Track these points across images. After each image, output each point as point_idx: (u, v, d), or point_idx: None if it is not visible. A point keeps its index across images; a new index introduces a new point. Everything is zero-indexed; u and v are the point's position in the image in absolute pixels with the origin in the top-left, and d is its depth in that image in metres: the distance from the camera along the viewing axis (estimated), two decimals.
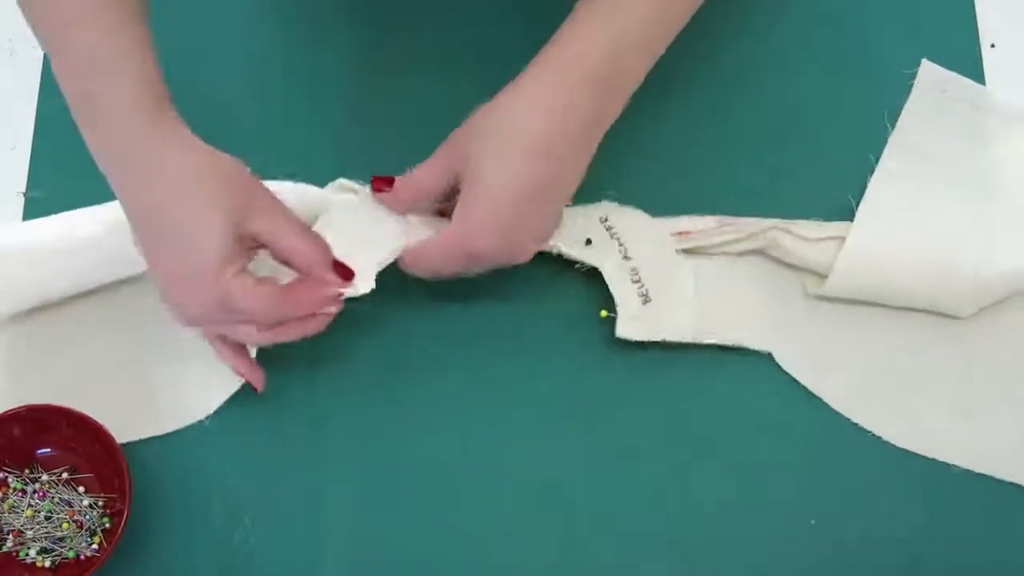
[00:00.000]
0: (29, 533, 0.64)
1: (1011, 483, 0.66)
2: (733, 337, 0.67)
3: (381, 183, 0.62)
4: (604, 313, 0.68)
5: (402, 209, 0.63)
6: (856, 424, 0.67)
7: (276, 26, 0.76)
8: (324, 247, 0.59)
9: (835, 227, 0.67)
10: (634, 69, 0.59)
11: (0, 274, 0.66)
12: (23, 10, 0.56)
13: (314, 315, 0.60)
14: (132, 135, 0.55)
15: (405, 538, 0.65)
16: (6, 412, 0.64)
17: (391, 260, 0.62)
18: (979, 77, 0.74)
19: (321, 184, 0.66)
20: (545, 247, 0.65)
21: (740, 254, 0.69)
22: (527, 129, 0.57)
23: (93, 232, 0.66)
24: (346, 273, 0.60)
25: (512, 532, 0.65)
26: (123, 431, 0.65)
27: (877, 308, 0.68)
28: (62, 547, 0.64)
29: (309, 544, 0.65)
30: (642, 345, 0.67)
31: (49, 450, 0.66)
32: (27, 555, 0.64)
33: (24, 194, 0.72)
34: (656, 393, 0.68)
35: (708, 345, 0.67)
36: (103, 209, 0.66)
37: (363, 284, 0.61)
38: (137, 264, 0.61)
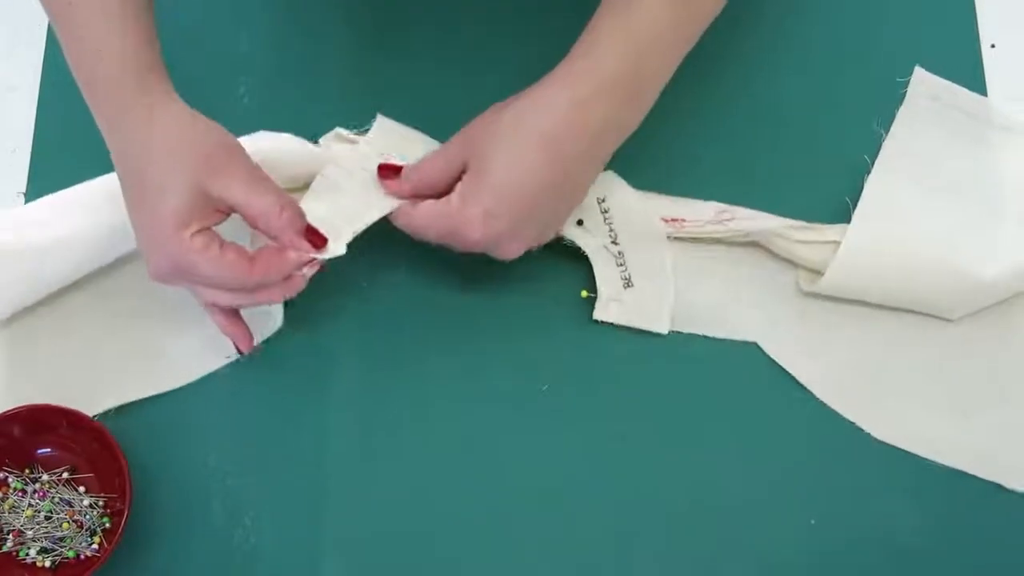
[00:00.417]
0: (29, 533, 0.64)
1: (1003, 485, 0.66)
2: (717, 329, 0.68)
3: (387, 171, 0.62)
4: (584, 293, 0.68)
5: (407, 197, 0.63)
6: (854, 424, 0.67)
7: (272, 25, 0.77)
8: (295, 212, 0.60)
9: (831, 231, 0.67)
10: (653, 80, 0.59)
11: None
12: None
13: (290, 277, 0.60)
14: (117, 100, 0.58)
15: (405, 538, 0.65)
16: (6, 412, 0.64)
17: (368, 225, 0.62)
18: (979, 77, 0.74)
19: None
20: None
21: (732, 245, 0.69)
22: (542, 129, 0.57)
23: (76, 220, 0.66)
24: (318, 240, 0.60)
25: (512, 533, 0.65)
26: (127, 392, 0.67)
27: (870, 306, 0.69)
28: (62, 547, 0.64)
29: (309, 544, 0.65)
30: (640, 332, 0.68)
31: (49, 450, 0.66)
32: (27, 555, 0.64)
33: (24, 194, 0.72)
34: (653, 386, 0.68)
35: (704, 337, 0.68)
36: (72, 194, 0.67)
37: (335, 247, 0.61)
38: (123, 243, 0.64)
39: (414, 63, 0.74)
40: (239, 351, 0.66)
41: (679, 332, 0.68)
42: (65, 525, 0.64)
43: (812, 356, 0.68)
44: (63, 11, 0.57)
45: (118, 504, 0.64)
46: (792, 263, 0.69)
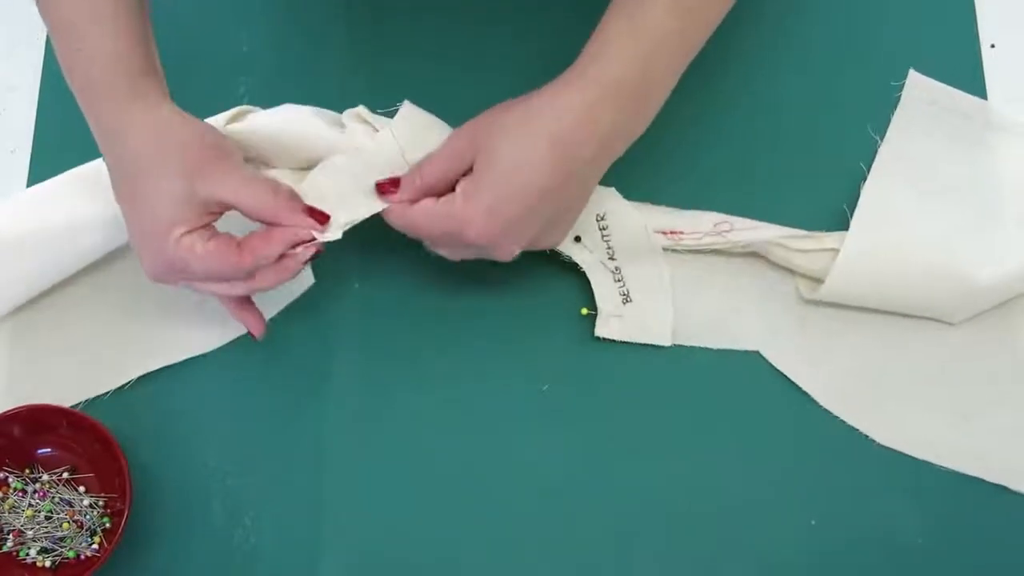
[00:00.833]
0: (29, 533, 0.64)
1: (1007, 487, 0.66)
2: (719, 340, 0.68)
3: (386, 186, 0.61)
4: (584, 311, 0.68)
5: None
6: (853, 427, 0.67)
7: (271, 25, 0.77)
8: (289, 196, 0.60)
9: (829, 239, 0.67)
10: (659, 87, 0.59)
11: None
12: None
13: (284, 257, 0.60)
14: (109, 105, 0.58)
15: (405, 538, 0.65)
16: (6, 412, 0.64)
17: (368, 216, 0.62)
18: (979, 78, 0.74)
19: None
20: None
21: (731, 256, 0.69)
22: (552, 131, 0.57)
23: (65, 215, 0.67)
24: (320, 216, 0.60)
25: (512, 532, 0.65)
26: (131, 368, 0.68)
27: (870, 311, 0.69)
28: (62, 547, 0.64)
29: (309, 544, 0.65)
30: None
31: (49, 450, 0.66)
32: (27, 555, 0.64)
33: None
34: (653, 386, 0.68)
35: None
36: (55, 187, 0.68)
37: (330, 232, 0.60)
38: (115, 236, 0.65)
39: (414, 63, 0.74)
40: (252, 336, 0.65)
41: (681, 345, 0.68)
42: (65, 525, 0.64)
43: (814, 364, 0.68)
44: (56, 17, 0.58)
45: (118, 504, 0.64)
46: (791, 272, 0.69)
